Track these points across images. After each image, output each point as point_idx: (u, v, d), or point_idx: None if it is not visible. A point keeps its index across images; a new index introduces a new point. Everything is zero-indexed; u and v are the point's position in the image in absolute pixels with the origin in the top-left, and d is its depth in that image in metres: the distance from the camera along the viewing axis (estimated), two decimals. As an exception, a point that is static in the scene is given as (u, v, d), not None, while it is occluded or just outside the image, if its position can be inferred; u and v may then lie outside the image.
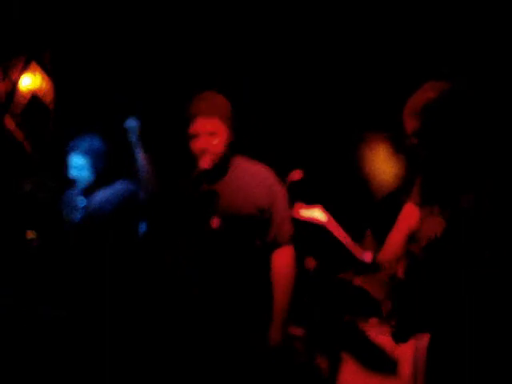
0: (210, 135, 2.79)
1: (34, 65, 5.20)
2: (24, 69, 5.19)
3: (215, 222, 2.80)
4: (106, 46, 4.94)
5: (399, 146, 4.46)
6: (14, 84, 5.17)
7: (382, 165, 4.56)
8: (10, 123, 5.23)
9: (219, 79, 4.81)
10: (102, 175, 3.49)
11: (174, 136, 4.88)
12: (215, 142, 2.80)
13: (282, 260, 2.90)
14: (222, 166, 2.86)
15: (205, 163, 2.82)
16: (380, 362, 3.46)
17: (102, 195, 3.52)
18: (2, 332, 3.25)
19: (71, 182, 3.48)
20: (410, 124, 2.21)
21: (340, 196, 4.42)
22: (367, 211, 4.34)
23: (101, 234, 3.42)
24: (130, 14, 4.82)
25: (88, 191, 3.53)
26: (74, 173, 3.47)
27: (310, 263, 3.70)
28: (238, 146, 2.96)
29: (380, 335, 3.47)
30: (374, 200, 4.55)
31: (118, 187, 3.54)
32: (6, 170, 5.00)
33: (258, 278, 2.86)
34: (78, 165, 3.47)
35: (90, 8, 4.84)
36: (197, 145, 2.81)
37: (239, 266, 2.82)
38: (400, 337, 2.31)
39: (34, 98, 5.21)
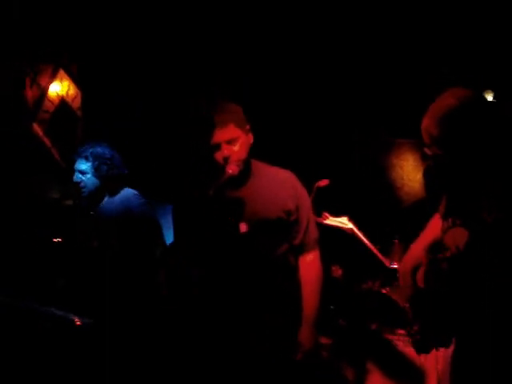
0: (229, 143, 2.87)
1: (61, 72, 5.24)
2: (52, 76, 5.24)
3: (243, 227, 2.82)
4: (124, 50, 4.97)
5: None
6: (43, 91, 5.22)
7: (411, 172, 4.52)
8: (38, 130, 5.27)
9: (219, 79, 4.83)
10: (108, 180, 3.57)
11: (175, 136, 4.93)
12: (236, 148, 2.87)
13: (310, 264, 2.93)
14: (245, 171, 2.89)
15: (231, 169, 2.85)
16: (407, 372, 3.42)
17: (109, 203, 3.59)
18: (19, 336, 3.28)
19: (77, 187, 3.58)
20: (431, 132, 2.17)
21: (368, 204, 4.39)
22: (395, 219, 4.31)
23: (108, 242, 3.50)
24: (132, 15, 4.84)
25: (96, 196, 3.61)
26: (78, 177, 3.58)
27: (337, 272, 3.67)
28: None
29: (407, 345, 3.43)
30: (403, 208, 4.52)
31: (126, 197, 3.60)
32: (34, 176, 5.04)
33: (286, 282, 2.87)
34: (82, 169, 3.59)
35: (100, 11, 4.87)
36: (219, 155, 2.87)
37: (267, 269, 2.82)
38: (421, 347, 2.28)
39: (62, 104, 5.26)
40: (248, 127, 2.91)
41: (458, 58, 4.10)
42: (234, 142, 2.85)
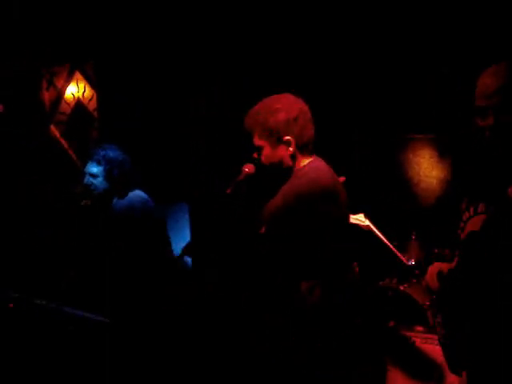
0: (257, 148, 2.81)
1: (77, 74, 5.28)
2: (68, 78, 5.27)
3: (263, 228, 2.79)
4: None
5: (444, 150, 4.40)
6: (59, 93, 5.26)
7: (427, 168, 4.50)
8: (55, 132, 5.31)
9: (219, 79, 4.83)
10: (118, 184, 3.59)
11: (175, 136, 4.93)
12: (262, 155, 2.79)
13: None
14: (279, 171, 2.82)
15: (247, 168, 2.85)
16: (426, 370, 3.40)
17: (117, 205, 3.62)
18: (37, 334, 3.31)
19: (87, 189, 3.60)
20: (495, 83, 2.04)
21: (384, 201, 4.38)
22: (412, 216, 4.29)
23: (115, 242, 3.55)
24: (132, 15, 4.85)
25: (106, 199, 3.64)
26: (88, 180, 3.61)
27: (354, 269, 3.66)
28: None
29: (425, 342, 3.41)
30: (419, 205, 4.50)
31: (132, 198, 3.62)
32: (51, 178, 5.08)
33: (290, 285, 2.73)
34: (93, 172, 3.63)
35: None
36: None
37: (271, 271, 2.77)
38: (455, 365, 2.20)
39: (78, 106, 5.29)
40: (286, 138, 2.73)
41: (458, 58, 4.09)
42: (261, 149, 2.78)
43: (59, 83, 5.27)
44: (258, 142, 2.77)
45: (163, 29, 4.84)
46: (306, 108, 2.81)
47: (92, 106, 5.28)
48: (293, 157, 2.78)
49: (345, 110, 4.54)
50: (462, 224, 2.26)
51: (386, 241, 3.49)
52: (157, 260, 3.53)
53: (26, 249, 4.32)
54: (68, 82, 5.28)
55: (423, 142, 4.52)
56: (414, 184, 4.55)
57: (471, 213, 2.20)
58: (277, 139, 2.74)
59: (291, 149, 2.75)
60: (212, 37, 4.77)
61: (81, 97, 5.29)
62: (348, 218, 2.85)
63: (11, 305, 3.27)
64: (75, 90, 5.28)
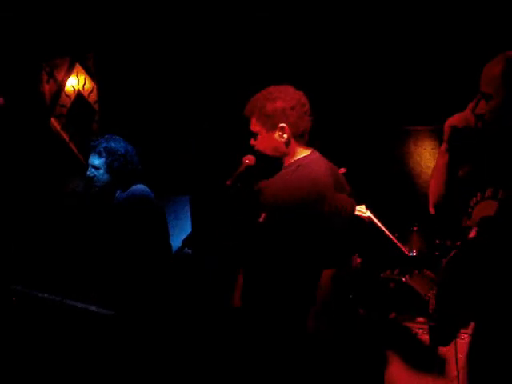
0: (255, 134, 2.88)
1: (77, 66, 5.27)
2: (68, 70, 5.26)
3: (262, 216, 2.81)
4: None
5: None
6: (60, 85, 5.25)
7: (429, 160, 4.51)
8: (55, 124, 5.31)
9: (219, 79, 4.83)
10: (120, 176, 3.56)
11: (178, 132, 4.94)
12: (258, 140, 2.86)
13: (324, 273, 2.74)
14: (277, 161, 2.86)
15: (247, 159, 2.89)
16: (427, 361, 3.40)
17: (119, 199, 3.60)
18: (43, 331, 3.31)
19: (88, 181, 3.57)
20: (497, 72, 2.11)
21: (385, 192, 4.38)
22: (413, 207, 4.29)
23: (117, 238, 3.51)
24: (133, 6, 4.84)
25: (108, 190, 3.61)
26: (91, 172, 3.57)
27: (356, 260, 3.67)
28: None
29: (426, 333, 3.41)
30: (421, 196, 4.50)
31: (132, 193, 3.60)
32: (52, 170, 5.08)
33: (287, 279, 2.76)
34: (95, 164, 3.56)
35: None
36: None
37: (267, 265, 2.78)
38: (437, 336, 2.21)
39: (79, 98, 5.28)
40: (281, 125, 2.81)
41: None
42: (258, 135, 2.86)
43: (59, 76, 5.26)
44: (254, 127, 2.85)
45: (165, 21, 4.83)
46: (304, 100, 2.88)
47: (92, 98, 5.27)
48: (287, 144, 2.84)
49: (347, 102, 4.54)
50: (469, 209, 2.26)
51: (387, 232, 3.50)
52: (159, 253, 3.52)
53: (29, 242, 4.32)
54: (68, 74, 5.27)
55: (425, 133, 4.53)
56: (416, 175, 4.56)
57: (478, 198, 2.20)
58: (272, 125, 2.82)
59: (285, 136, 2.82)
60: (213, 35, 4.78)
61: (81, 89, 5.28)
62: (352, 209, 2.86)
63: (14, 298, 3.28)
64: (75, 82, 5.27)
